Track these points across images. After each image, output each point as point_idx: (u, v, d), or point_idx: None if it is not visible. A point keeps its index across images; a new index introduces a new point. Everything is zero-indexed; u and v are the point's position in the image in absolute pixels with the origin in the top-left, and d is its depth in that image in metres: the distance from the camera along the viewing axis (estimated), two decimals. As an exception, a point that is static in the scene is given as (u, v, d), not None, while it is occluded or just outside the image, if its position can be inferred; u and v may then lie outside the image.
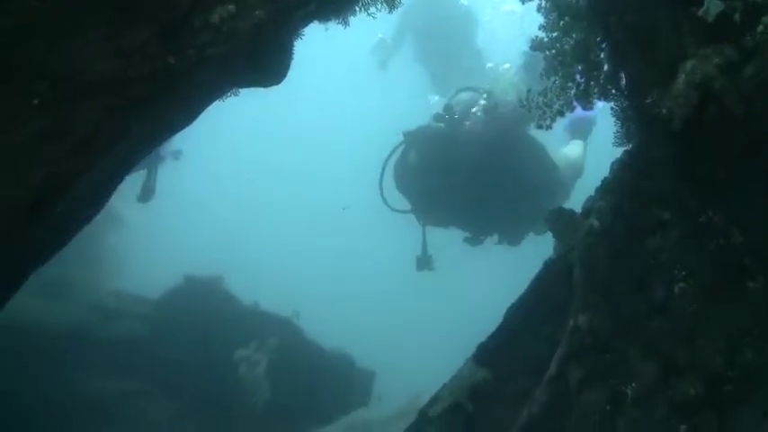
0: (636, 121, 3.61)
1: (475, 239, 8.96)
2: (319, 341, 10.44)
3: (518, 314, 4.17)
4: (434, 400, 4.23)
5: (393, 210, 8.89)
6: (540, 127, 3.93)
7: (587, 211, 3.82)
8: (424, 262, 9.01)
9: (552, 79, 3.92)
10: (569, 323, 3.55)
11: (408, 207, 8.90)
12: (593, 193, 3.95)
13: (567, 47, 3.88)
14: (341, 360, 10.39)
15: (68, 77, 2.68)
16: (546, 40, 3.91)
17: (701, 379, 3.36)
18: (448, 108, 8.44)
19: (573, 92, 3.89)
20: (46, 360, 7.97)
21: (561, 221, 3.87)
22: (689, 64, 3.29)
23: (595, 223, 3.53)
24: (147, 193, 8.93)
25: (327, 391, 9.95)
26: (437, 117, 8.47)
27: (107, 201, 3.37)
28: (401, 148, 8.70)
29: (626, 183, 3.56)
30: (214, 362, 9.34)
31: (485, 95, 8.33)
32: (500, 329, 4.20)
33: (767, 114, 3.26)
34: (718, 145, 3.38)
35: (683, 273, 3.42)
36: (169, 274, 10.59)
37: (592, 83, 3.80)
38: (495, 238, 9.01)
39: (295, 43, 3.62)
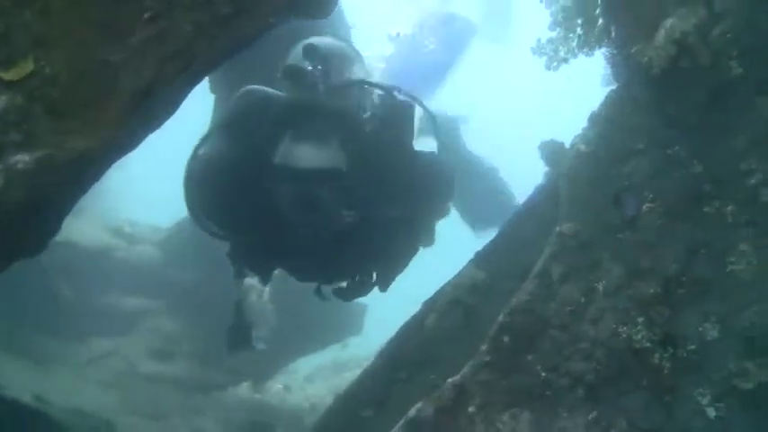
0: (622, 67, 4.34)
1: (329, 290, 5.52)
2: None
3: (511, 228, 4.92)
4: (438, 294, 4.99)
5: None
6: (548, 69, 4.66)
7: (575, 142, 4.55)
8: (240, 336, 5.99)
9: (557, 30, 4.66)
10: (555, 230, 4.29)
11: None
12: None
13: (569, 3, 4.61)
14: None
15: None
16: (551, -3, 4.63)
17: (658, 281, 4.12)
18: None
19: (575, 42, 4.63)
20: (71, 274, 8.69)
21: (551, 150, 4.61)
22: (669, 21, 4.01)
23: (582, 147, 4.27)
24: None
25: (322, 318, 10.57)
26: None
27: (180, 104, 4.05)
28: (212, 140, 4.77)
29: (610, 116, 4.30)
30: (222, 289, 9.99)
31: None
32: (495, 239, 4.96)
33: (729, 68, 4.00)
34: (688, 91, 4.12)
35: (651, 195, 4.18)
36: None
37: (589, 34, 4.53)
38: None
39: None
